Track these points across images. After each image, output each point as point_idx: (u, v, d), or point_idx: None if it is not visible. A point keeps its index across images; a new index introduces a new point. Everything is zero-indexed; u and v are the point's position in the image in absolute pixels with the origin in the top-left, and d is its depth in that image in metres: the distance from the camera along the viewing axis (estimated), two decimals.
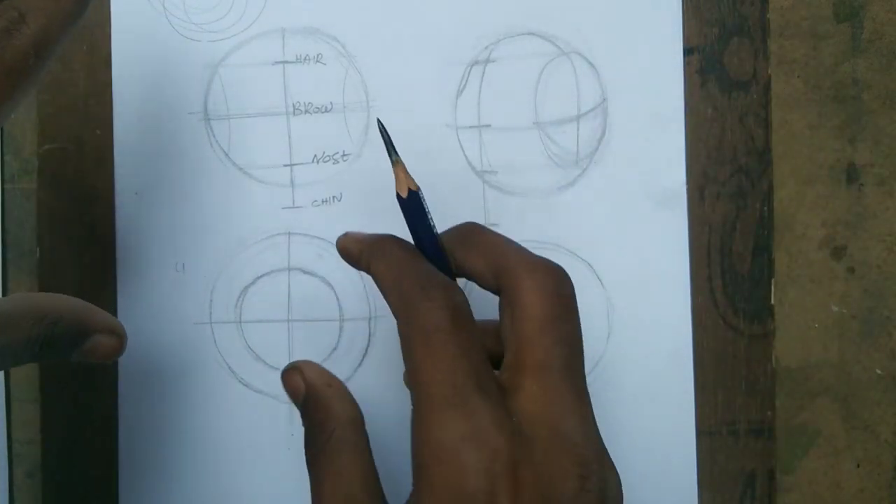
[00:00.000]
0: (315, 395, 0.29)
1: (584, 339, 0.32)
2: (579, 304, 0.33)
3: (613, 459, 0.36)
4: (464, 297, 0.27)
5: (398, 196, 0.30)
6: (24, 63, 0.26)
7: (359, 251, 0.30)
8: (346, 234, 0.31)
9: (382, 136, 0.31)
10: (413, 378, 0.25)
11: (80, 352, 0.30)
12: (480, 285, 0.28)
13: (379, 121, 0.31)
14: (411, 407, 0.26)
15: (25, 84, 0.26)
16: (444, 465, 0.24)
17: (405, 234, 0.33)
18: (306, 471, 0.35)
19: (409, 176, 0.30)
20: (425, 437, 0.24)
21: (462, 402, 0.24)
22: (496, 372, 0.26)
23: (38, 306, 0.28)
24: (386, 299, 0.28)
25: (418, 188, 0.30)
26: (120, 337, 0.31)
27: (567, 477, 0.24)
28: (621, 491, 0.27)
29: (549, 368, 0.26)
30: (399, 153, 0.31)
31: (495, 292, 0.28)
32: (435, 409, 0.24)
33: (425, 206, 0.30)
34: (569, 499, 0.24)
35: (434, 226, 0.30)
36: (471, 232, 0.29)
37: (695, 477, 0.36)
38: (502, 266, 0.27)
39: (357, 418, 0.28)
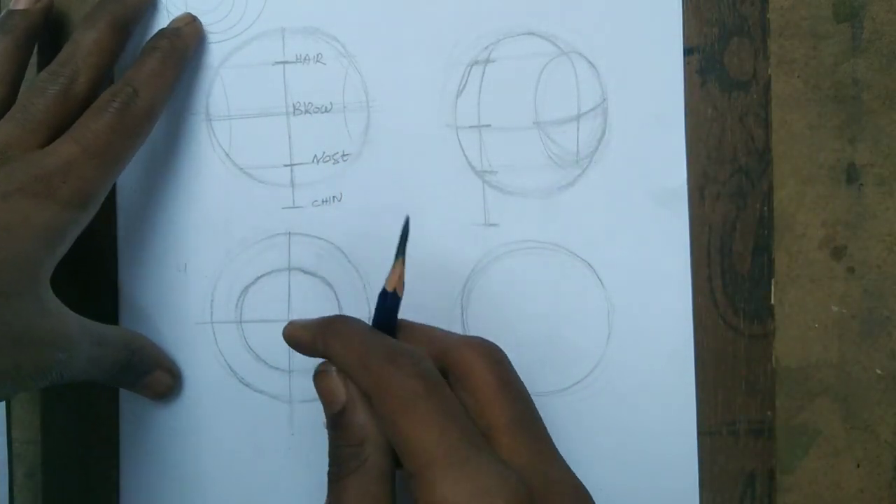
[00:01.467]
0: (354, 411, 0.29)
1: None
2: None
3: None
4: (430, 360, 0.28)
5: (384, 290, 0.31)
6: (139, 127, 0.34)
7: (311, 337, 0.31)
8: (290, 323, 0.32)
9: (403, 232, 0.31)
10: (405, 448, 0.26)
11: (141, 384, 0.36)
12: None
13: (407, 218, 0.31)
14: (406, 472, 0.26)
15: (139, 142, 0.34)
16: None
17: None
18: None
19: (403, 279, 0.31)
20: (434, 499, 0.25)
21: (463, 460, 0.25)
22: None
23: (127, 336, 0.36)
24: (353, 379, 0.29)
25: (401, 295, 0.31)
26: (176, 377, 0.38)
27: None
28: None
29: (519, 423, 0.28)
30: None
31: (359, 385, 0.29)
32: (438, 471, 0.25)
33: (397, 312, 0.32)
34: None
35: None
36: (408, 326, 0.32)
37: (695, 477, 0.36)
38: (445, 349, 0.30)
39: (389, 443, 0.28)
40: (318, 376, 0.30)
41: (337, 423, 0.29)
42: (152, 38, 0.37)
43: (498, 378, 0.29)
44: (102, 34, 0.35)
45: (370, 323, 0.31)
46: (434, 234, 0.37)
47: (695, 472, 0.36)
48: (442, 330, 0.32)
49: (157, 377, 0.37)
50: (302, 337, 0.31)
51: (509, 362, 0.30)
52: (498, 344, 0.32)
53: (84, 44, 0.34)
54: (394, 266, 0.31)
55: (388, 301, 0.31)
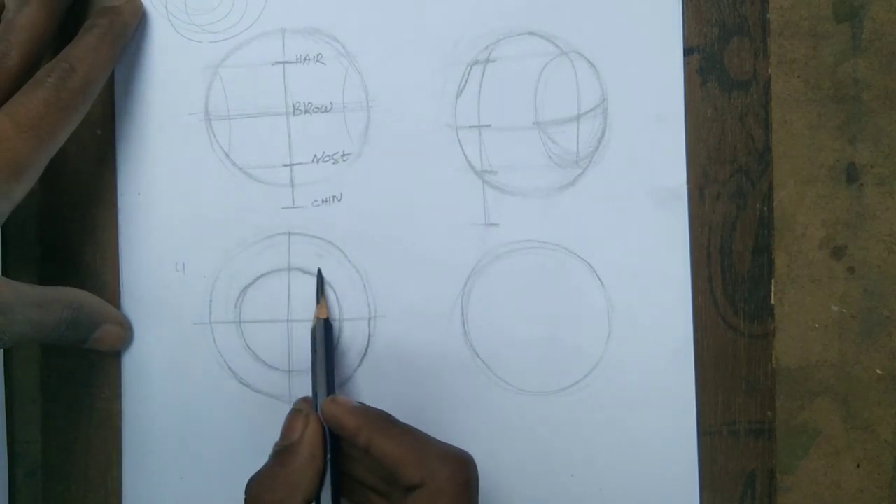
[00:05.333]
0: (297, 452, 0.33)
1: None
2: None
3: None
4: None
5: (316, 318, 0.36)
6: (75, 102, 0.34)
7: (356, 428, 0.32)
8: (334, 402, 0.34)
9: (319, 281, 0.37)
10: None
11: (93, 339, 0.37)
12: (392, 471, 0.31)
13: (319, 270, 0.37)
14: None
15: (76, 117, 0.34)
16: None
17: (406, 233, 0.33)
18: None
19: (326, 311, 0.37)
20: None
21: None
22: None
23: (67, 294, 0.36)
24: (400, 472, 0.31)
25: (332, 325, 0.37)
26: (125, 328, 0.38)
27: None
28: None
29: None
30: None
31: (410, 481, 0.31)
32: None
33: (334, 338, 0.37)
34: None
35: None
36: (387, 420, 0.33)
37: (695, 477, 0.36)
38: (416, 457, 0.31)
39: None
40: (294, 412, 0.34)
41: (281, 453, 0.33)
42: (92, 15, 0.37)
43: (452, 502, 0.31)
44: (35, 11, 0.35)
45: (321, 350, 0.35)
46: (434, 234, 0.37)
47: (695, 472, 0.36)
48: (422, 433, 0.33)
49: (107, 330, 0.37)
50: (348, 424, 0.33)
51: (474, 480, 0.32)
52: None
53: (17, 21, 0.35)
54: (321, 306, 0.37)
55: (323, 330, 0.36)
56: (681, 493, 0.36)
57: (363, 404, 0.34)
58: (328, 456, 0.33)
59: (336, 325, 0.37)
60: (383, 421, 0.33)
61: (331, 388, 0.35)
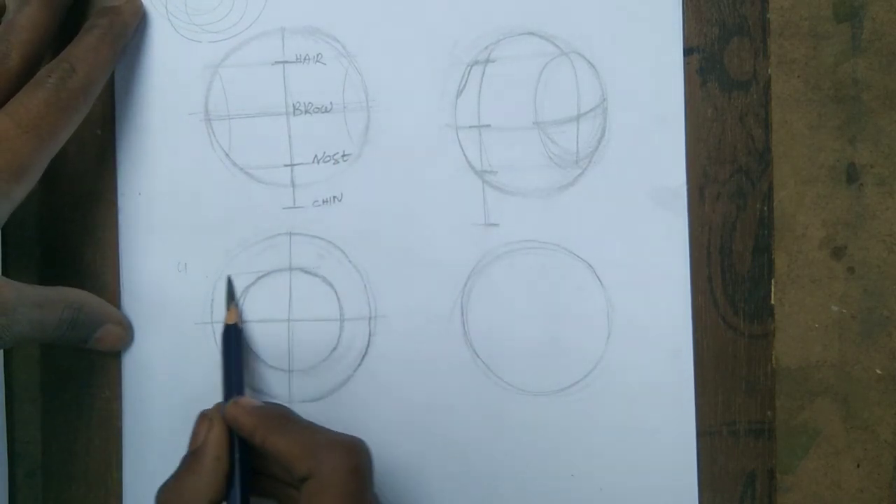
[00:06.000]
0: (202, 459, 0.33)
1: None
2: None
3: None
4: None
5: (225, 325, 0.37)
6: (76, 102, 0.34)
7: (252, 427, 0.33)
8: (236, 404, 0.34)
9: (228, 288, 0.38)
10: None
11: (94, 339, 0.37)
12: (285, 466, 0.32)
13: (229, 278, 0.38)
14: None
15: (76, 117, 0.34)
16: None
17: (406, 233, 0.33)
18: None
19: (237, 316, 0.38)
20: None
21: None
22: None
23: (68, 294, 0.36)
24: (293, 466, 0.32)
25: (242, 329, 0.37)
26: (126, 328, 0.38)
27: None
28: None
29: None
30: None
31: (300, 474, 0.31)
32: None
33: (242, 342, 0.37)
34: None
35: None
36: (283, 418, 0.34)
37: (695, 477, 0.36)
38: (304, 450, 0.31)
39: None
40: (199, 417, 0.35)
41: (188, 458, 0.34)
42: (92, 15, 0.37)
43: (343, 491, 0.31)
44: (35, 11, 0.35)
45: (228, 355, 0.36)
46: (434, 234, 0.37)
47: (694, 472, 0.36)
48: (314, 425, 0.34)
49: (108, 330, 0.37)
50: (244, 424, 0.33)
51: (364, 468, 0.32)
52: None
53: (17, 21, 0.35)
54: (230, 311, 0.37)
55: (231, 334, 0.37)
56: (680, 493, 0.36)
57: (266, 404, 0.35)
58: (237, 456, 0.33)
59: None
60: (279, 419, 0.33)
61: (239, 391, 0.36)
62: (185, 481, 0.33)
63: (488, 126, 0.37)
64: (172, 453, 0.38)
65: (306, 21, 0.38)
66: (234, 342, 0.37)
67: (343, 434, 0.33)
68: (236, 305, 0.38)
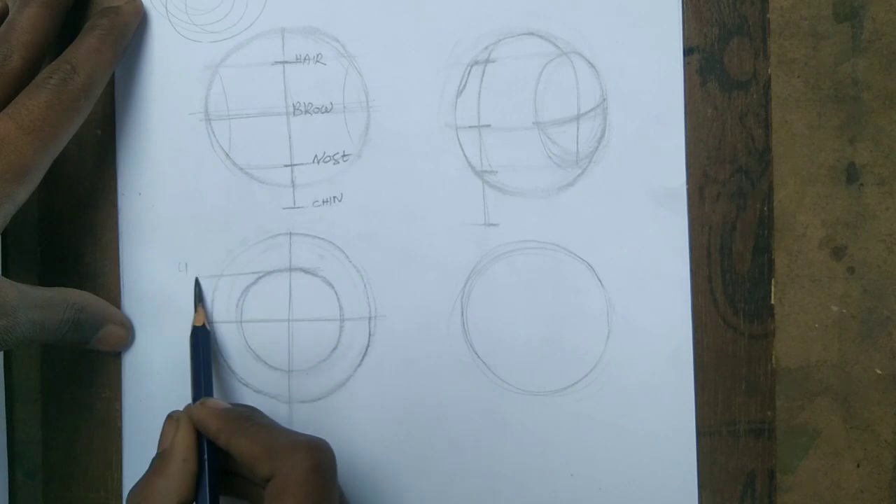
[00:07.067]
0: (170, 459, 0.33)
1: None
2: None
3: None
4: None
5: (193, 326, 0.37)
6: (77, 103, 0.34)
7: (217, 429, 0.33)
8: (203, 405, 0.35)
9: (196, 290, 0.38)
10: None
11: (95, 340, 0.37)
12: (249, 467, 0.32)
13: (197, 280, 0.38)
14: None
15: (78, 119, 0.35)
16: None
17: (406, 233, 0.33)
18: None
19: (205, 318, 0.38)
20: None
21: None
22: None
23: (69, 295, 0.36)
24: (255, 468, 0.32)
25: (210, 330, 0.38)
26: (127, 329, 0.38)
27: None
28: None
29: None
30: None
31: (263, 475, 0.31)
32: None
33: (212, 344, 0.37)
34: None
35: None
36: (247, 420, 0.34)
37: (695, 477, 0.36)
38: (266, 451, 0.32)
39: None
40: (167, 419, 0.35)
41: (156, 460, 0.34)
42: (93, 16, 0.37)
43: (306, 491, 0.31)
44: (37, 13, 0.35)
45: (196, 356, 0.37)
46: (434, 234, 0.37)
47: (694, 472, 0.36)
48: (278, 426, 0.34)
49: (109, 331, 0.37)
50: (210, 426, 0.33)
51: (327, 467, 0.32)
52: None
53: (19, 23, 0.35)
54: (198, 312, 0.37)
55: (200, 336, 0.37)
56: (680, 492, 0.36)
57: (234, 406, 0.35)
58: (205, 457, 0.33)
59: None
60: (243, 420, 0.33)
61: (208, 392, 0.36)
62: (153, 483, 0.33)
63: (488, 126, 0.37)
64: None
65: (306, 21, 0.38)
66: (203, 344, 0.37)
67: (305, 434, 0.33)
68: (204, 307, 0.38)
